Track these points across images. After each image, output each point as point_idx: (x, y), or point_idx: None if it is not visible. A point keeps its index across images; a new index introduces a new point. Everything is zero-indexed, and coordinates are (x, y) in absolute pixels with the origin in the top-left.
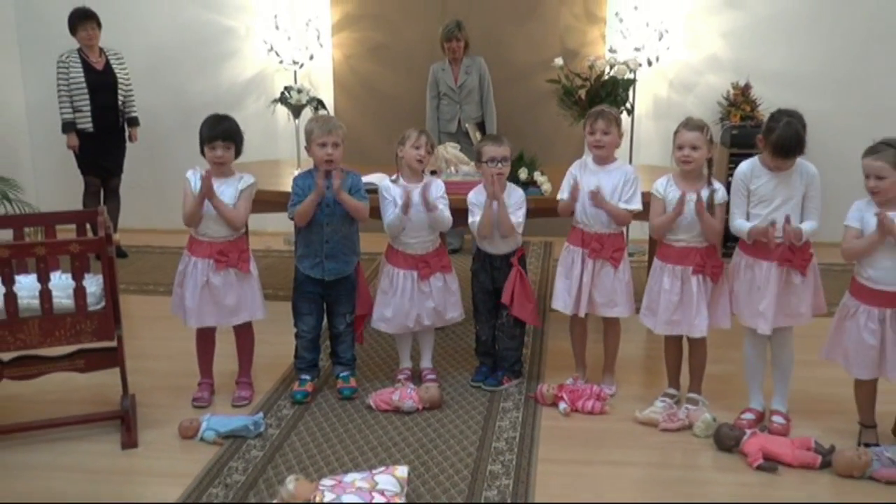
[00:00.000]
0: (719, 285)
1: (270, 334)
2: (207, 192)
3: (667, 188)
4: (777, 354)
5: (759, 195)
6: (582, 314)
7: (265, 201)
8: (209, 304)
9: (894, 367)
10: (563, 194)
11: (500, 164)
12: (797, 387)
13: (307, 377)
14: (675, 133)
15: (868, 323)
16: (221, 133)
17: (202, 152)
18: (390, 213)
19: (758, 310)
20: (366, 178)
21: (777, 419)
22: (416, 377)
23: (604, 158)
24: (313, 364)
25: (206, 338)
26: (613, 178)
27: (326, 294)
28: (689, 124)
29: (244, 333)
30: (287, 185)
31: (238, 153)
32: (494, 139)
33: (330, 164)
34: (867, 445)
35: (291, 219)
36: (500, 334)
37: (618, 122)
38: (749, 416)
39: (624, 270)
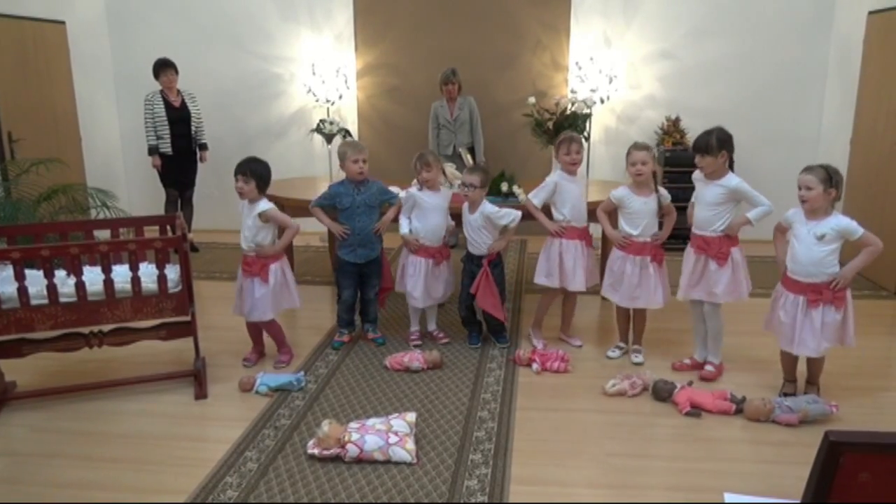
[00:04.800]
0: (662, 268)
1: (309, 310)
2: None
3: (623, 196)
4: (707, 324)
5: (696, 194)
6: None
7: (305, 208)
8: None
9: (800, 343)
10: (536, 199)
11: (466, 189)
12: (734, 352)
13: (345, 331)
14: (628, 154)
15: (786, 304)
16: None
17: (261, 191)
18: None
19: (680, 283)
20: None
21: (708, 367)
22: (424, 337)
23: (577, 172)
24: (350, 322)
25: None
26: (581, 187)
27: (360, 272)
28: (638, 145)
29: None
30: None
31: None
32: (471, 169)
33: (361, 176)
34: (786, 395)
35: (312, 206)
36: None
37: (581, 144)
38: (687, 360)
39: (591, 253)
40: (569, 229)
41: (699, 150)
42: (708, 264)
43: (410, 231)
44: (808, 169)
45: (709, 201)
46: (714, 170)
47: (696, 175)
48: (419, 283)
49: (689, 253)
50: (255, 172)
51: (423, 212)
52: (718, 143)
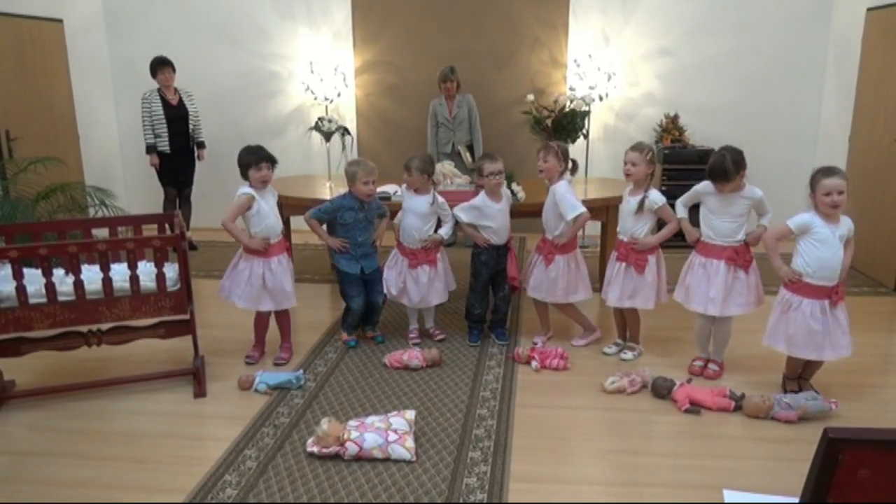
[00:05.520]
0: (643, 276)
1: (308, 308)
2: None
3: (623, 192)
4: (718, 329)
5: (708, 207)
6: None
7: (303, 206)
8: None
9: (835, 346)
10: None
11: (497, 177)
12: (732, 351)
13: (353, 332)
14: (625, 153)
15: (814, 312)
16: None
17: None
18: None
19: (709, 296)
20: (380, 189)
21: (712, 366)
22: (423, 335)
23: (549, 179)
24: (357, 326)
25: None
26: (552, 197)
27: (365, 279)
28: (633, 146)
29: (283, 312)
30: (319, 194)
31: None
32: (491, 158)
33: (370, 197)
34: (788, 391)
35: (309, 217)
36: (501, 302)
37: (555, 153)
38: (699, 363)
39: (552, 269)
40: (543, 239)
41: (719, 179)
42: (737, 274)
43: (400, 221)
44: (835, 172)
45: (734, 213)
46: (735, 187)
47: (705, 188)
48: (390, 271)
49: (719, 266)
50: (272, 158)
51: (402, 210)
52: (735, 167)
